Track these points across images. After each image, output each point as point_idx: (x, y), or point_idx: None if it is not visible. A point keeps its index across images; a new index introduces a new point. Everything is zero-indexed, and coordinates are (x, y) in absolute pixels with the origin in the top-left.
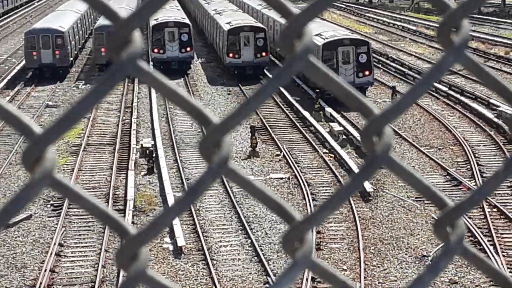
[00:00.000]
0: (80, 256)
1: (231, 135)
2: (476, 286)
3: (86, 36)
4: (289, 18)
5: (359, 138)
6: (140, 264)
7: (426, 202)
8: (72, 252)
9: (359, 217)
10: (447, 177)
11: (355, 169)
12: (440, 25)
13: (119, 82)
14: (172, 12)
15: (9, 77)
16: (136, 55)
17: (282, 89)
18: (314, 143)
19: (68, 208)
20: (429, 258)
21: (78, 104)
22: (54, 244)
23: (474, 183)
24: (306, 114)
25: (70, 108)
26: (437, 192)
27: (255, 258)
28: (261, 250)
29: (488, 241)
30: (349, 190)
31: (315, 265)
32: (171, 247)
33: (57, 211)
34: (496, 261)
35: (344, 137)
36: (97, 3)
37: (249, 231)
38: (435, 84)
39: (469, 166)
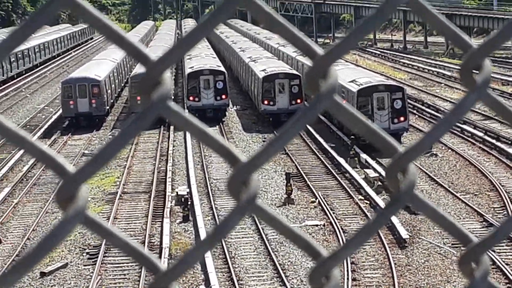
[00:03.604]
0: None
1: (260, 176)
2: None
3: (122, 84)
4: (315, 58)
5: None
6: None
7: (462, 248)
8: None
9: (395, 264)
10: (484, 223)
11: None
12: (462, 64)
13: (150, 122)
14: (207, 60)
15: (46, 126)
16: (166, 96)
17: (317, 135)
18: (349, 190)
19: (104, 257)
20: None
21: (110, 144)
22: None
23: None
24: (341, 160)
25: (103, 147)
26: (462, 228)
27: None
28: None
29: None
30: (374, 226)
31: None
32: None
33: (93, 260)
34: None
35: (379, 183)
36: (129, 46)
37: (285, 279)
38: (471, 129)
39: (505, 212)
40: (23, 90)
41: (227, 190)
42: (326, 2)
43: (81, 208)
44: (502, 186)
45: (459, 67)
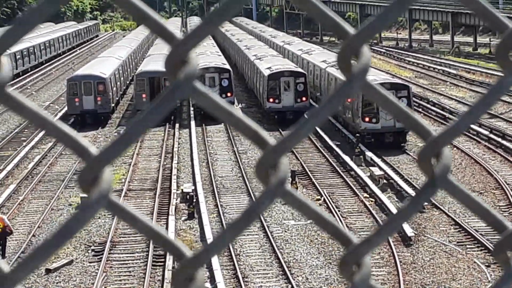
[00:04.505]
0: None
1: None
2: None
3: (128, 82)
4: (346, 38)
5: (399, 182)
6: (196, 287)
7: (468, 246)
8: None
9: (400, 261)
10: None
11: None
12: (499, 45)
13: (176, 102)
14: (212, 58)
15: None
16: (192, 76)
17: (322, 133)
18: (354, 188)
19: (109, 254)
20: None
21: (134, 124)
22: None
23: None
24: (347, 158)
25: (127, 129)
26: (497, 215)
27: None
28: None
29: None
30: (408, 212)
31: None
32: None
33: (98, 257)
34: None
35: (384, 181)
36: (154, 24)
37: (290, 276)
38: (476, 128)
39: (511, 210)
40: (29, 87)
41: (255, 174)
42: (332, 0)
43: (105, 191)
44: (508, 184)
45: (496, 47)
